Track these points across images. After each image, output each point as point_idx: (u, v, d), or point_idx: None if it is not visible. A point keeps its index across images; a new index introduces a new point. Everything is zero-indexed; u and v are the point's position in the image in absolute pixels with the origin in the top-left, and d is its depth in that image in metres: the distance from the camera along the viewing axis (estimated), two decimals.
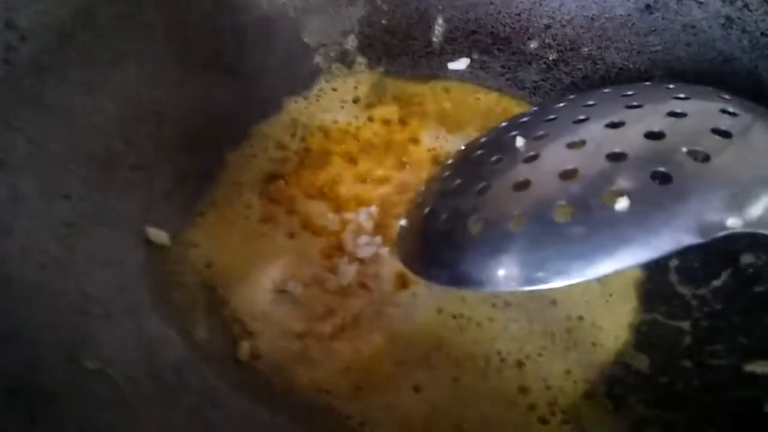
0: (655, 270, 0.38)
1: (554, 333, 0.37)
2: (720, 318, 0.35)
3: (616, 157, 0.28)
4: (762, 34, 0.40)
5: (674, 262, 0.38)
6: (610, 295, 0.38)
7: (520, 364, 0.36)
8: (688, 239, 0.24)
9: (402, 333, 0.37)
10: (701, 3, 0.43)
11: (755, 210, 0.24)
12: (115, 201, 0.36)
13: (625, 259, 0.25)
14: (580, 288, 0.38)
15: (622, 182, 0.26)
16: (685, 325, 0.36)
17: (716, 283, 0.36)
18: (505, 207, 0.29)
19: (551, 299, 0.39)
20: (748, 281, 0.35)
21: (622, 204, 0.26)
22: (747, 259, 0.35)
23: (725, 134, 0.27)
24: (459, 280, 0.29)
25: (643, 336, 0.37)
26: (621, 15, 0.46)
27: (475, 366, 0.36)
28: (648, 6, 0.45)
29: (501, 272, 0.28)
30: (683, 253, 0.36)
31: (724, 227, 0.24)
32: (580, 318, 0.38)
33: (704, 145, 0.27)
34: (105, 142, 0.38)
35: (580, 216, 0.26)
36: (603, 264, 0.25)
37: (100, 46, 0.38)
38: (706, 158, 0.26)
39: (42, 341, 0.28)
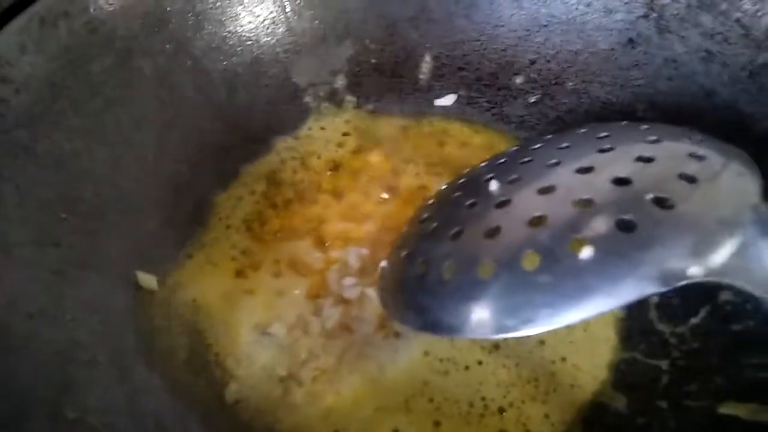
0: (635, 307, 0.38)
1: (538, 378, 0.37)
2: (697, 357, 0.35)
3: (583, 204, 0.28)
4: (741, 68, 0.40)
5: (654, 299, 0.38)
6: (591, 333, 0.38)
7: (501, 410, 0.36)
8: (650, 288, 0.24)
9: (384, 376, 0.37)
10: (682, 37, 0.43)
11: (717, 258, 0.25)
12: (105, 246, 0.37)
13: (590, 309, 0.25)
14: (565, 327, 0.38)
15: (587, 231, 0.27)
16: (664, 363, 0.36)
17: (694, 320, 0.36)
18: (476, 253, 0.29)
19: (539, 339, 0.39)
20: (726, 319, 0.35)
21: (586, 253, 0.26)
22: (725, 296, 0.35)
23: (691, 179, 0.27)
24: (431, 326, 0.29)
25: (622, 375, 0.37)
26: (604, 49, 0.47)
27: (459, 411, 0.36)
28: (630, 40, 0.46)
29: (472, 319, 0.28)
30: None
31: (685, 276, 0.24)
32: (563, 359, 0.38)
33: (670, 191, 0.27)
34: (94, 187, 0.39)
35: (547, 264, 0.27)
36: (569, 313, 0.26)
37: (91, 94, 0.40)
38: (670, 206, 0.26)
39: (28, 390, 0.29)
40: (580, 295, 0.25)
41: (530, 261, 0.27)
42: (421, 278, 0.31)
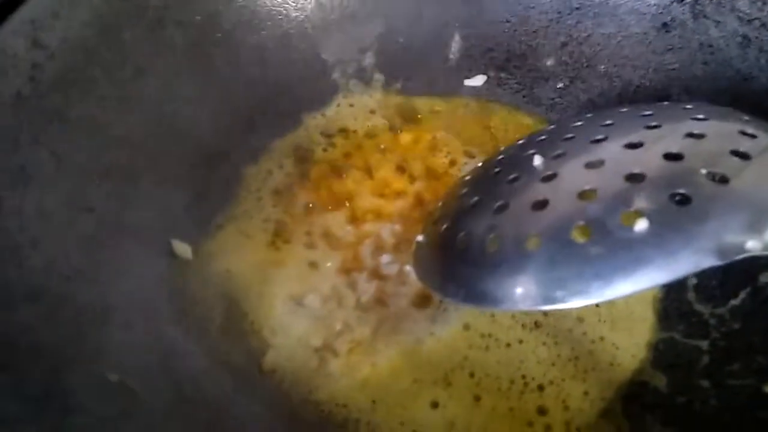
0: (673, 288, 0.38)
1: (578, 357, 0.37)
2: (738, 337, 0.35)
3: (634, 178, 0.28)
4: None
5: (692, 281, 0.38)
6: (630, 313, 0.38)
7: (541, 387, 0.36)
8: (707, 261, 0.24)
9: (422, 349, 0.37)
10: (718, 22, 0.43)
11: None
12: (138, 213, 0.37)
13: (644, 281, 0.25)
14: (604, 305, 0.38)
15: (641, 203, 0.26)
16: (703, 344, 0.36)
17: (734, 302, 0.36)
18: (523, 226, 0.29)
19: (578, 317, 0.39)
20: (767, 301, 0.35)
21: (641, 225, 0.26)
22: (766, 278, 0.35)
23: (744, 156, 0.27)
24: (476, 297, 0.29)
25: (661, 354, 0.37)
26: (637, 33, 0.47)
27: (498, 387, 0.36)
28: (665, 24, 0.46)
29: (518, 291, 0.28)
30: (702, 272, 0.36)
31: (743, 250, 0.24)
32: (602, 338, 0.38)
33: (723, 166, 0.27)
34: (127, 156, 0.38)
35: (599, 237, 0.26)
36: (621, 285, 0.25)
37: (122, 62, 0.39)
38: (725, 180, 0.26)
39: (66, 351, 0.29)
40: (633, 267, 0.25)
41: (581, 233, 0.27)
42: (464, 251, 0.31)
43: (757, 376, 0.32)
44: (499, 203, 0.31)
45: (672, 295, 0.38)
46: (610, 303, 0.39)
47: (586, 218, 0.27)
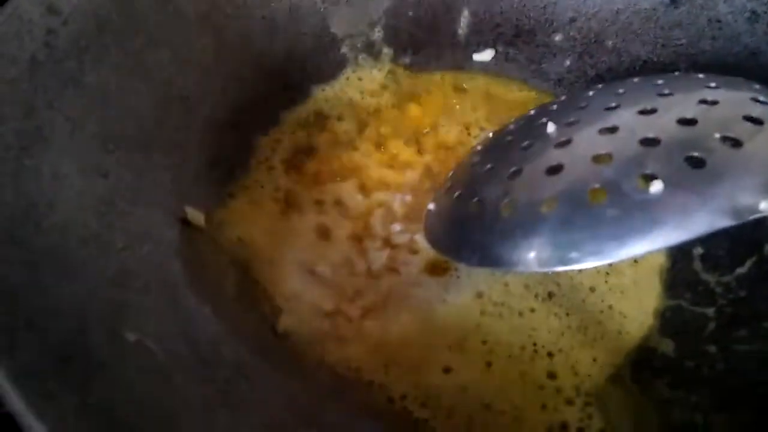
0: (679, 257, 0.39)
1: (587, 326, 0.38)
2: (744, 305, 0.35)
3: (649, 143, 0.28)
4: None
5: (698, 250, 0.39)
6: (636, 281, 0.39)
7: (551, 354, 0.37)
8: (722, 222, 0.25)
9: (435, 315, 0.37)
10: None
11: None
12: (150, 181, 0.37)
13: (659, 241, 0.25)
14: (613, 275, 0.39)
15: (656, 166, 0.27)
16: (710, 311, 0.36)
17: (740, 270, 0.37)
18: (538, 190, 0.29)
19: (590, 286, 0.39)
20: None
21: (656, 187, 0.26)
22: None
23: (757, 121, 0.28)
24: (491, 260, 0.30)
25: (668, 321, 0.37)
26: (646, 8, 0.47)
27: (510, 353, 0.37)
28: (673, 0, 0.46)
29: (533, 253, 0.28)
30: (708, 240, 0.37)
31: (757, 210, 0.25)
32: (610, 307, 0.38)
33: (737, 131, 0.27)
34: (139, 124, 0.38)
35: (614, 199, 0.27)
36: (637, 245, 0.26)
37: (135, 31, 0.39)
38: (739, 144, 0.27)
39: (86, 313, 0.29)
40: (649, 228, 0.26)
41: (597, 195, 0.27)
42: (478, 216, 0.31)
43: (763, 341, 0.33)
44: (513, 169, 0.32)
45: (678, 265, 0.39)
46: (619, 273, 0.39)
47: (602, 181, 0.28)
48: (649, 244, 0.26)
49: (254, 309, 0.37)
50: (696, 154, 0.27)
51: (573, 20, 0.49)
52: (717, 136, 0.27)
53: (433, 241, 0.35)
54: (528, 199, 0.29)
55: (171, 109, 0.41)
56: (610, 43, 0.48)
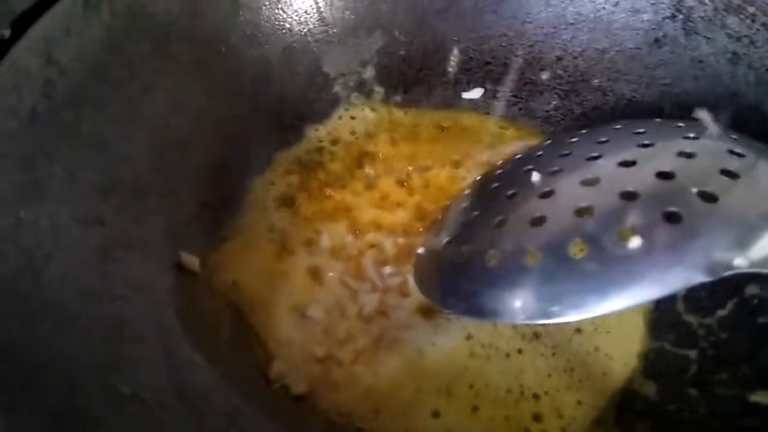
0: (662, 299, 0.39)
1: (573, 368, 0.38)
2: (725, 347, 0.36)
3: (628, 196, 0.29)
4: (767, 70, 0.41)
5: (681, 292, 0.39)
6: (622, 323, 0.39)
7: (536, 396, 0.37)
8: (698, 278, 0.25)
9: (424, 359, 0.38)
10: (709, 38, 0.44)
11: (761, 250, 0.26)
12: (146, 227, 0.38)
13: (638, 296, 0.26)
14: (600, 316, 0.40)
15: (635, 221, 0.27)
16: (692, 353, 0.37)
17: (722, 312, 0.37)
18: (522, 241, 0.30)
19: (576, 327, 0.40)
20: (753, 312, 0.36)
21: (635, 242, 0.27)
22: (752, 290, 0.36)
23: (732, 175, 0.28)
24: (476, 310, 0.30)
25: (651, 363, 0.38)
26: (631, 48, 0.48)
27: (496, 396, 0.37)
28: (657, 40, 0.47)
29: (517, 305, 0.29)
30: None
31: (731, 266, 0.25)
32: (596, 349, 0.39)
33: (713, 185, 0.28)
34: (134, 170, 0.39)
35: (595, 252, 0.28)
36: (617, 300, 0.27)
37: (131, 78, 0.40)
38: (714, 198, 0.27)
39: (80, 366, 0.29)
40: (628, 283, 0.26)
41: (577, 249, 0.28)
42: (464, 265, 0.32)
43: (743, 385, 0.34)
44: (498, 218, 0.33)
45: (662, 306, 0.40)
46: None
47: (583, 234, 0.28)
48: (628, 299, 0.26)
49: (247, 355, 0.37)
50: (673, 209, 0.27)
51: (560, 59, 0.51)
52: (694, 190, 0.28)
53: (422, 287, 0.36)
54: (512, 250, 0.30)
55: (166, 153, 0.41)
56: (595, 81, 0.50)
